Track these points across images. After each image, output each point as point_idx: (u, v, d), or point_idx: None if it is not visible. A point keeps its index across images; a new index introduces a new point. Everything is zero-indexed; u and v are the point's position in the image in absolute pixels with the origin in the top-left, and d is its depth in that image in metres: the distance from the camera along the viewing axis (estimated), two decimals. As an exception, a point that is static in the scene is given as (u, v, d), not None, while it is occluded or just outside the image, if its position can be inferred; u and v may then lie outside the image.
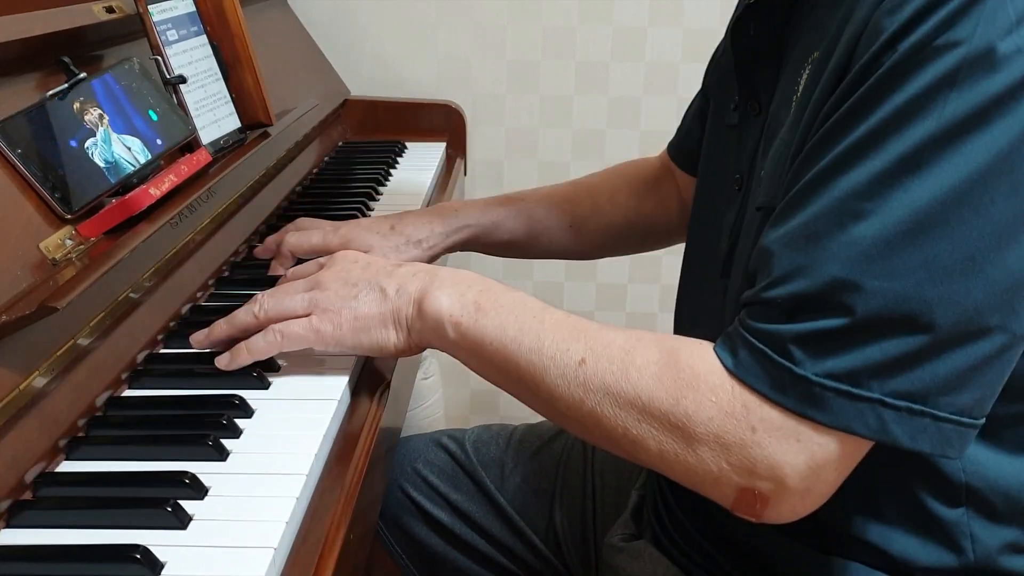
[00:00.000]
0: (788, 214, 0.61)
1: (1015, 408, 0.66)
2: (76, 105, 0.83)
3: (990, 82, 0.55)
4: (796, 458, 0.60)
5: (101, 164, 0.82)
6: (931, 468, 0.68)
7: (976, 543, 0.69)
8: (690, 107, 1.05)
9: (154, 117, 0.93)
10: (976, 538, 0.69)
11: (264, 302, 0.77)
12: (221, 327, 0.78)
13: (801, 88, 0.68)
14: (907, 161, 0.57)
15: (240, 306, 0.80)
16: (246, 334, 0.77)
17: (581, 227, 1.09)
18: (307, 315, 0.75)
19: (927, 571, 0.69)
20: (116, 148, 0.85)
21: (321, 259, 0.83)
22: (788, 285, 0.60)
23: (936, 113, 0.56)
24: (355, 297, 0.75)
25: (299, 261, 0.98)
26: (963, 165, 0.56)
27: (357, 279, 0.76)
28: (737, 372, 0.61)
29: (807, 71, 0.68)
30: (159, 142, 0.91)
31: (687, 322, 0.90)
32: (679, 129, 1.08)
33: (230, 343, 0.78)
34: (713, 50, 0.97)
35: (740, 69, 0.78)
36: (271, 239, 1.02)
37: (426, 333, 0.74)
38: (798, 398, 0.59)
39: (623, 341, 0.66)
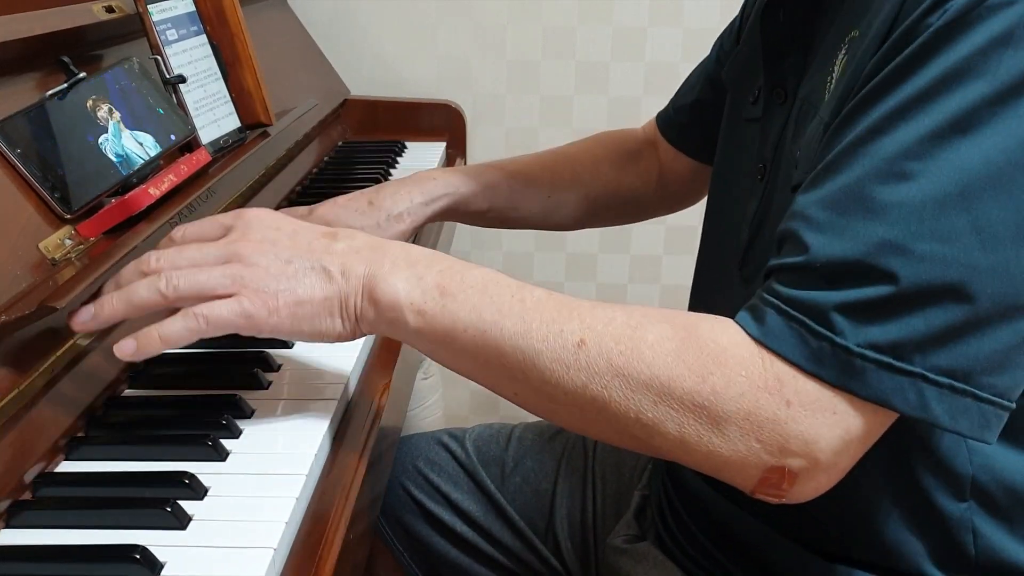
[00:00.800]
0: (825, 177, 0.58)
1: None
2: (89, 102, 0.83)
3: None
4: (831, 432, 0.57)
5: (113, 159, 0.82)
6: (940, 461, 0.66)
7: (979, 538, 0.68)
8: (688, 80, 1.04)
9: (154, 116, 0.93)
10: (979, 533, 0.68)
11: (172, 277, 0.64)
12: (113, 304, 0.65)
13: (839, 68, 0.66)
14: (959, 121, 0.54)
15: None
16: (146, 312, 0.66)
17: (560, 197, 1.07)
18: (231, 294, 0.64)
19: (929, 567, 0.69)
20: (128, 143, 0.85)
21: (223, 219, 0.69)
22: (827, 249, 0.56)
23: (990, 73, 0.54)
24: (292, 276, 0.65)
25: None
26: (1017, 128, 0.54)
27: (290, 254, 0.66)
28: (768, 342, 0.58)
29: (844, 52, 0.66)
30: (159, 142, 0.91)
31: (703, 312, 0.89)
32: (672, 101, 1.07)
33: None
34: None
35: (767, 58, 0.76)
36: None
37: (379, 323, 0.65)
38: (837, 369, 0.56)
39: (626, 317, 0.61)
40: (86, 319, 0.65)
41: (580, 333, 0.61)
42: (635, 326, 0.60)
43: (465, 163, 1.63)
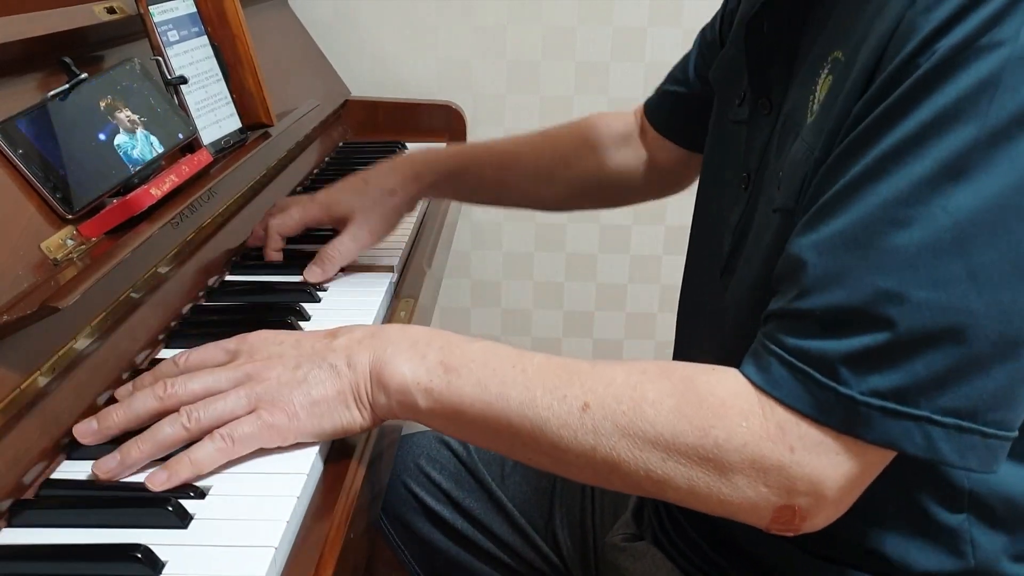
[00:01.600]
0: (821, 220, 0.58)
1: None
2: (104, 103, 0.83)
3: None
4: (836, 471, 0.58)
5: (124, 159, 0.82)
6: (936, 475, 0.67)
7: (977, 549, 0.68)
8: (672, 70, 1.06)
9: (156, 117, 0.93)
10: (977, 544, 0.68)
11: (193, 411, 0.65)
12: (140, 448, 0.64)
13: (822, 90, 0.66)
14: (950, 167, 0.54)
15: (240, 308, 0.78)
16: (171, 449, 0.65)
17: (546, 177, 1.10)
18: (248, 413, 0.66)
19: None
20: (139, 143, 0.85)
21: (227, 345, 0.71)
22: (825, 296, 0.57)
23: (980, 117, 0.54)
24: (303, 381, 0.66)
25: (291, 241, 1.04)
26: (1009, 170, 0.54)
27: (297, 362, 0.67)
28: (771, 391, 0.59)
29: (827, 71, 0.66)
30: (160, 142, 0.91)
31: (689, 320, 0.90)
32: (657, 89, 1.08)
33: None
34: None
35: (752, 67, 0.77)
36: (257, 226, 1.06)
37: (392, 407, 0.67)
38: (843, 418, 0.57)
39: (625, 376, 0.62)
40: (113, 466, 0.64)
41: (583, 397, 0.62)
42: (634, 385, 0.62)
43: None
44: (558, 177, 1.10)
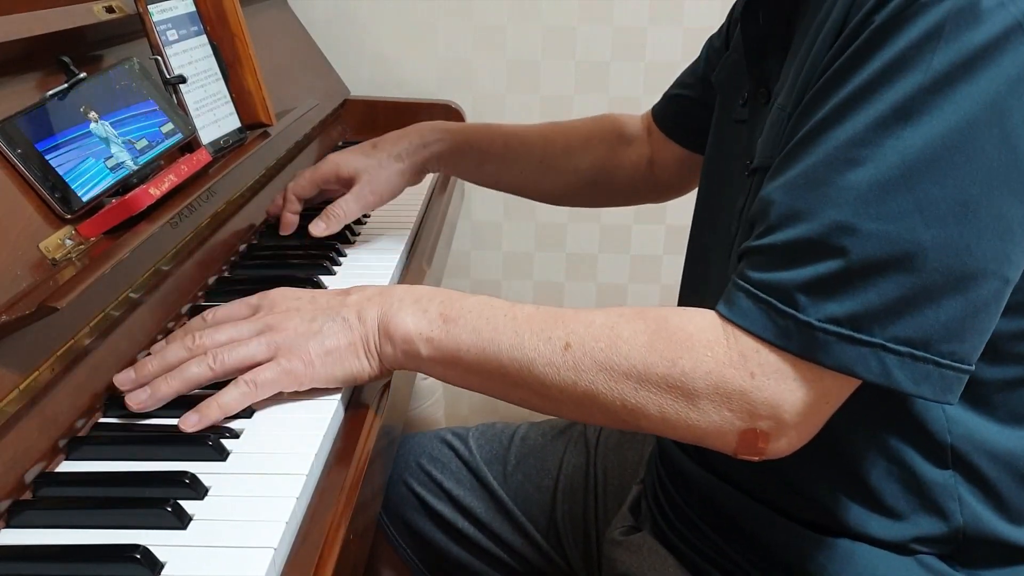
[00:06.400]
0: (787, 165, 0.63)
1: (1006, 372, 0.68)
2: (81, 106, 0.83)
3: (974, 34, 0.58)
4: (794, 395, 0.62)
5: (103, 163, 0.82)
6: (918, 427, 0.69)
7: (964, 506, 0.70)
8: (681, 75, 1.08)
9: (155, 117, 0.93)
10: (964, 501, 0.70)
11: (219, 354, 0.72)
12: (169, 383, 0.71)
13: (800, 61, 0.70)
14: (899, 110, 0.59)
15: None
16: (197, 387, 0.72)
17: (551, 165, 1.14)
18: (268, 359, 0.72)
19: (918, 541, 0.71)
20: (113, 148, 0.85)
21: (250, 300, 0.78)
22: (787, 230, 0.62)
23: (924, 65, 0.59)
24: (318, 332, 0.73)
25: (307, 205, 1.10)
26: (952, 113, 0.58)
27: (313, 315, 0.74)
28: (736, 319, 0.63)
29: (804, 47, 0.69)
30: (159, 142, 0.91)
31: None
32: (665, 93, 1.11)
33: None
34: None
35: (750, 59, 0.79)
36: (277, 196, 1.12)
37: (398, 356, 0.73)
38: (801, 343, 0.61)
39: (603, 319, 0.68)
40: (144, 398, 0.71)
41: (565, 338, 0.68)
42: (611, 325, 0.67)
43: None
44: (562, 167, 1.13)
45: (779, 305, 0.62)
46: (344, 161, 1.09)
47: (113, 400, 0.74)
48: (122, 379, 0.73)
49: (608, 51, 1.71)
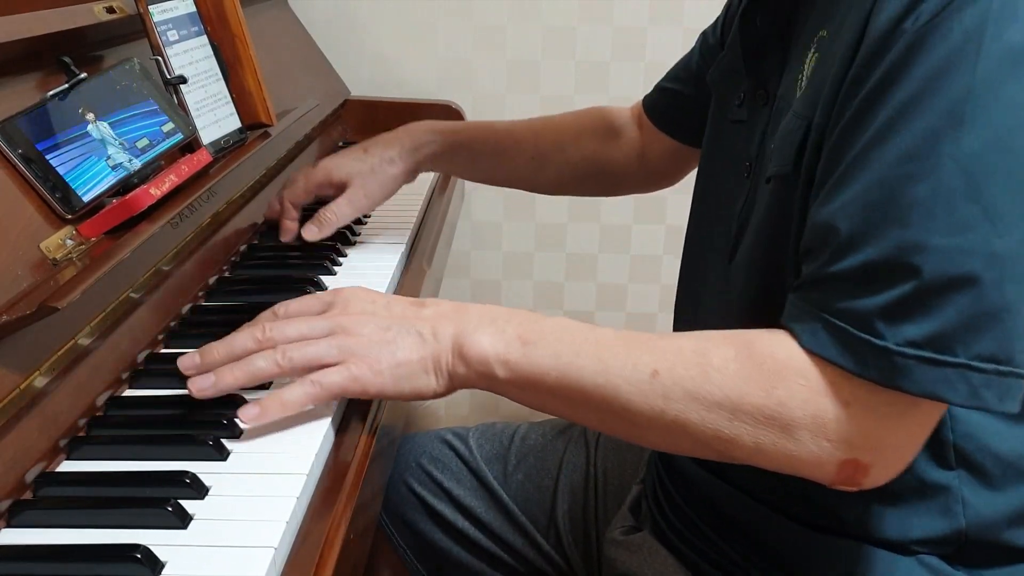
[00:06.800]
0: (839, 189, 0.61)
1: None
2: (81, 107, 0.83)
3: (1017, 31, 0.56)
4: (890, 425, 0.61)
5: (104, 163, 0.82)
6: None
7: (968, 507, 0.70)
8: (673, 68, 1.09)
9: (155, 117, 0.93)
10: (968, 502, 0.70)
11: (288, 350, 0.70)
12: (234, 374, 0.70)
13: (808, 66, 0.69)
14: (949, 117, 0.57)
15: (240, 308, 0.79)
16: (261, 381, 0.72)
17: (543, 160, 1.15)
18: (337, 363, 0.70)
19: (919, 541, 0.71)
20: (113, 149, 0.85)
21: (323, 296, 0.76)
22: (854, 256, 0.60)
23: (970, 66, 0.56)
24: (392, 342, 0.70)
25: (304, 209, 1.10)
26: (1005, 113, 0.56)
27: (388, 323, 0.71)
28: (817, 351, 0.61)
29: (813, 50, 0.69)
30: (160, 142, 0.91)
31: (688, 314, 0.90)
32: (657, 85, 1.12)
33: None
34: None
35: (748, 61, 0.79)
36: (273, 200, 1.12)
37: (471, 377, 0.70)
38: (880, 370, 0.59)
39: (692, 344, 0.66)
40: (206, 385, 0.70)
41: (653, 364, 0.65)
42: (701, 351, 0.65)
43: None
44: (554, 162, 1.15)
45: (856, 332, 0.59)
46: (336, 166, 1.10)
47: (114, 400, 0.74)
48: (186, 363, 0.72)
49: (608, 51, 1.71)
